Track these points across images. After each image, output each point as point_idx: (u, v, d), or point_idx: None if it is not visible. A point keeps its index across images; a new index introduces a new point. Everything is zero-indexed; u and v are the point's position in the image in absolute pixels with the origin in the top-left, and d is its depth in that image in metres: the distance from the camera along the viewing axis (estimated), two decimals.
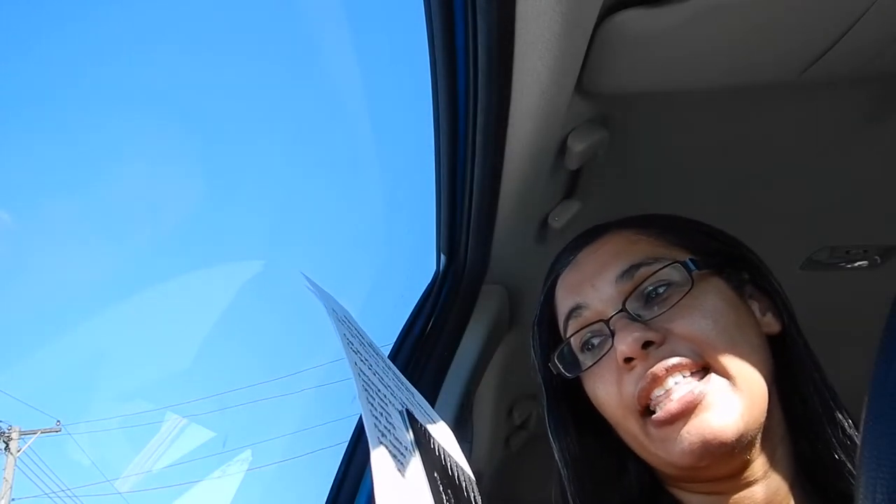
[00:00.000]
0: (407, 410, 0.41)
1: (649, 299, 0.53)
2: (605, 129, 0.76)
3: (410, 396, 0.47)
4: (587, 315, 0.56)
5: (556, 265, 0.63)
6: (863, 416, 0.26)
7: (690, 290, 0.52)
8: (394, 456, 0.33)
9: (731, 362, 0.50)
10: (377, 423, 0.34)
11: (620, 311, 0.53)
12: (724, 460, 0.50)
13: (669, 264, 0.54)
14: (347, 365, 0.35)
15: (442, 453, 0.43)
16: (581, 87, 0.68)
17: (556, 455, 0.59)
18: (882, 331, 0.27)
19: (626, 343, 0.51)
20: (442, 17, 0.64)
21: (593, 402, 0.56)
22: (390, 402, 0.39)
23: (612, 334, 0.53)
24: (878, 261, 1.09)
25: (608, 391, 0.54)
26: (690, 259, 0.54)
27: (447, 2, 0.63)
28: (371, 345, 0.44)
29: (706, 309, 0.52)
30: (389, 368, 0.45)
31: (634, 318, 0.52)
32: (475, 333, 1.01)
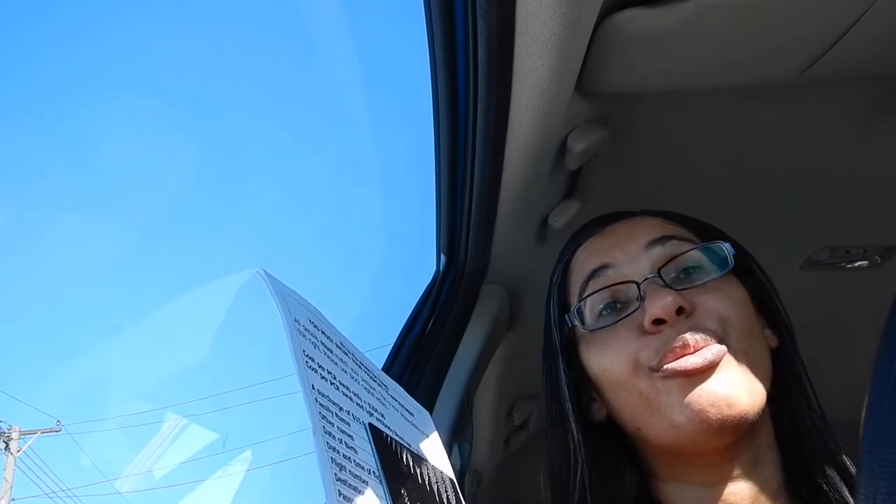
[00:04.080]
0: (370, 424, 0.39)
1: (678, 276, 0.54)
2: (605, 129, 0.76)
3: (384, 393, 0.45)
4: (612, 276, 0.55)
5: (579, 236, 0.62)
6: (863, 415, 0.26)
7: (723, 275, 0.53)
8: (354, 488, 0.32)
9: (749, 347, 0.51)
10: (335, 456, 0.32)
11: (654, 275, 0.53)
12: (724, 434, 0.50)
13: (702, 246, 0.55)
14: (300, 388, 0.33)
15: (411, 461, 0.42)
16: (581, 87, 0.68)
17: (571, 432, 0.57)
18: (882, 331, 0.27)
19: (659, 305, 0.50)
20: (442, 16, 0.64)
21: (595, 365, 0.55)
22: (355, 417, 0.38)
23: (641, 298, 0.53)
24: (878, 261, 1.09)
25: (621, 350, 0.53)
26: (729, 244, 0.55)
27: (447, 2, 0.63)
28: (341, 345, 0.42)
29: (733, 295, 0.53)
30: (361, 366, 0.44)
31: (667, 285, 0.52)
32: (475, 333, 1.01)
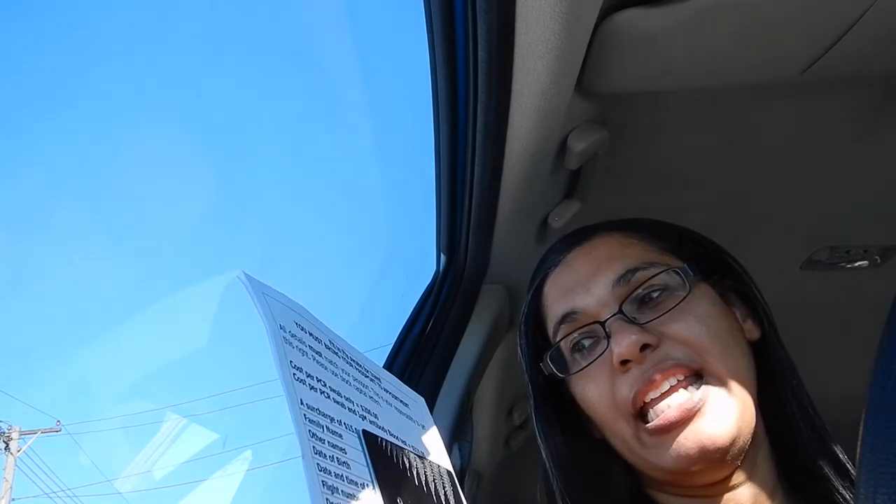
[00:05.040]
0: (364, 431, 0.38)
1: (644, 303, 0.54)
2: (605, 129, 0.76)
3: (377, 388, 0.44)
4: (581, 318, 0.56)
5: (544, 265, 0.63)
6: (863, 415, 0.26)
7: (686, 296, 0.53)
8: None
9: (724, 367, 0.51)
10: (326, 478, 0.31)
11: (617, 313, 0.53)
12: (717, 466, 0.50)
13: (665, 270, 0.54)
14: (287, 405, 0.32)
15: (408, 463, 0.41)
16: (581, 87, 0.68)
17: (543, 455, 0.59)
18: (882, 331, 0.27)
19: (623, 345, 0.51)
20: (442, 16, 0.64)
21: (582, 403, 0.56)
22: (348, 426, 0.36)
23: (608, 336, 0.53)
24: (878, 261, 1.09)
25: (600, 392, 0.54)
26: (687, 265, 0.54)
27: (447, 2, 0.63)
28: (330, 344, 0.41)
29: (700, 314, 0.53)
30: (352, 364, 0.43)
31: (630, 321, 0.52)
32: (475, 333, 1.01)
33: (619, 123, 0.77)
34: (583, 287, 0.56)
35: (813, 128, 0.82)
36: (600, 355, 0.54)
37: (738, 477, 0.52)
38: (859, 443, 0.26)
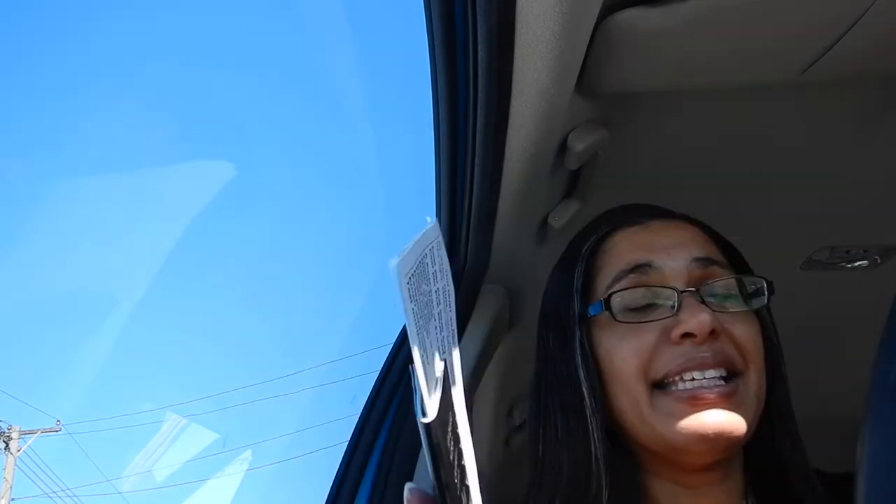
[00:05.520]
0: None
1: (713, 297, 0.55)
2: (605, 129, 0.76)
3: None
4: (653, 277, 0.56)
5: (617, 217, 0.62)
6: (863, 415, 0.26)
7: (757, 310, 0.56)
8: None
9: (757, 377, 0.54)
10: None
11: (695, 290, 0.54)
12: (713, 456, 0.52)
13: (742, 277, 0.57)
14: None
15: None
16: (581, 86, 0.68)
17: (589, 428, 0.55)
18: (882, 331, 0.27)
19: (698, 321, 0.52)
20: (442, 16, 0.64)
21: (605, 355, 0.55)
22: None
23: (677, 306, 0.53)
24: (878, 261, 1.09)
25: (637, 350, 0.54)
26: (766, 284, 0.57)
27: (447, 2, 0.63)
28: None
29: (752, 330, 0.55)
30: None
31: (704, 303, 0.54)
32: (475, 333, 1.01)
33: (619, 123, 0.78)
34: (664, 251, 0.57)
35: (812, 127, 0.82)
36: (660, 319, 0.54)
37: (722, 474, 0.55)
38: (859, 443, 0.26)
